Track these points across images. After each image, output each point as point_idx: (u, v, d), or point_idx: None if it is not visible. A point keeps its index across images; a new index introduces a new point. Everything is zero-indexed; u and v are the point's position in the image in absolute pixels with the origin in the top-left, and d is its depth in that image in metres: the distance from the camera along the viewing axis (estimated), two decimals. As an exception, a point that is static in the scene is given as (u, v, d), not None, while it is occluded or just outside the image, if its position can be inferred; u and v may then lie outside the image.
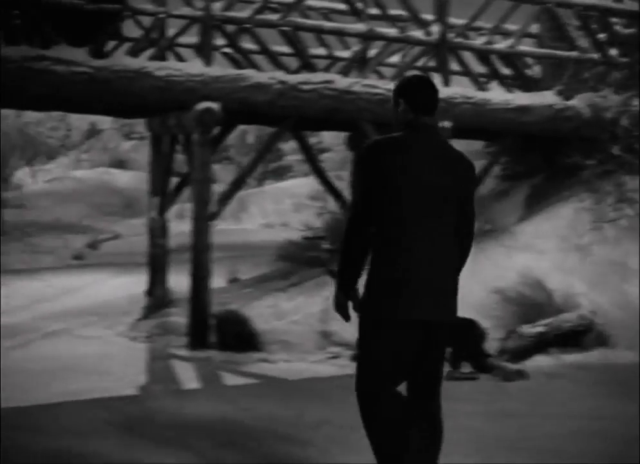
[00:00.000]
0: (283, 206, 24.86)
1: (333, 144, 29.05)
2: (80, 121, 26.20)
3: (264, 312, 9.48)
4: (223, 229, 22.39)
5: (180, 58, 10.32)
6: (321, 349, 8.76)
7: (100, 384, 7.64)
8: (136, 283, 14.37)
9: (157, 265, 10.50)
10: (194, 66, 8.88)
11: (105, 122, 28.22)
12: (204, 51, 9.01)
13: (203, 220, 8.91)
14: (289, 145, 32.43)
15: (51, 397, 7.15)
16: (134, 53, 8.96)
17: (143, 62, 8.71)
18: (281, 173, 27.46)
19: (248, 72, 9.10)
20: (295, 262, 10.90)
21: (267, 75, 9.16)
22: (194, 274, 8.98)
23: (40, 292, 13.58)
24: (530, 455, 5.26)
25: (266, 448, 5.43)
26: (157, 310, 10.23)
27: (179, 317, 9.85)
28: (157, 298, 10.37)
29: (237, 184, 9.55)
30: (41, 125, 19.78)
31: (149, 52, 9.39)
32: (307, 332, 9.04)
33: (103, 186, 25.98)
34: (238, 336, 8.79)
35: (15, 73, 8.13)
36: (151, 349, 9.15)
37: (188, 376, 8.00)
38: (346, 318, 4.02)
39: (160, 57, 9.12)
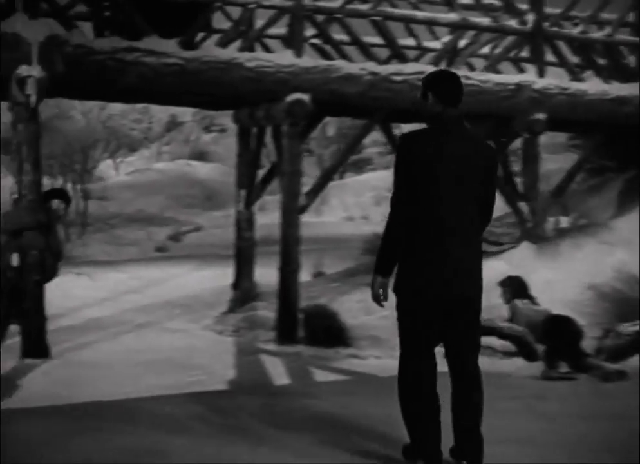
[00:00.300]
0: (364, 199, 24.67)
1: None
2: (161, 113, 26.32)
3: (352, 307, 9.33)
4: (304, 222, 22.31)
5: (268, 50, 10.21)
6: (412, 345, 8.57)
7: (191, 378, 7.58)
8: (219, 276, 14.34)
9: (243, 258, 10.43)
10: (284, 57, 8.75)
11: (185, 114, 28.34)
12: (294, 41, 8.87)
13: (292, 213, 8.79)
14: (369, 138, 32.27)
15: (142, 390, 7.10)
16: (223, 44, 8.85)
17: (233, 53, 8.62)
18: (361, 166, 27.26)
19: (339, 63, 8.95)
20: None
21: (358, 66, 9.01)
22: (283, 267, 8.86)
23: (125, 284, 13.62)
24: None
25: (366, 447, 5.27)
26: (243, 304, 10.14)
27: (266, 311, 9.76)
28: (243, 291, 10.29)
29: (327, 177, 9.43)
30: (124, 117, 19.92)
31: (236, 44, 9.29)
32: (397, 328, 8.85)
33: (184, 178, 26.06)
34: (327, 331, 8.66)
35: (105, 64, 8.09)
36: (239, 343, 9.06)
37: (277, 371, 7.88)
38: (380, 303, 4.62)
39: (248, 48, 9.00)
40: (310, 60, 8.98)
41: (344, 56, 9.24)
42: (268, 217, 22.60)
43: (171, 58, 8.30)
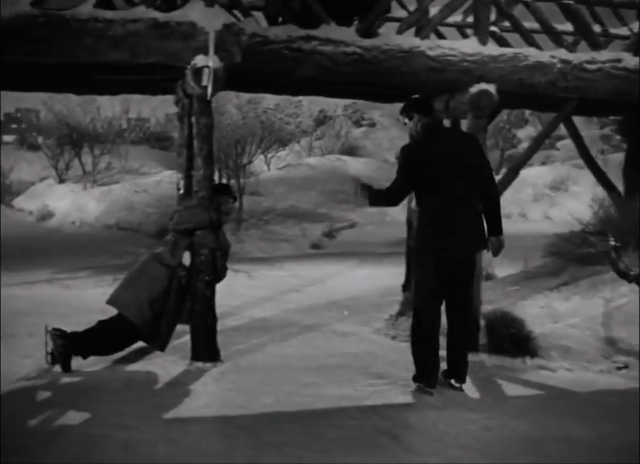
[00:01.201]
0: (522, 196, 23.77)
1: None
2: (312, 107, 26.00)
3: (537, 313, 8.68)
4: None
5: (442, 38, 9.65)
6: (606, 358, 7.86)
7: (371, 388, 7.09)
8: (379, 275, 13.92)
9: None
10: (468, 45, 8.16)
11: (336, 108, 27.99)
12: (478, 28, 8.27)
13: (477, 212, 8.17)
14: (524, 132, 31.32)
15: (322, 400, 6.67)
16: (401, 32, 8.31)
17: (415, 41, 8.07)
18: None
19: (527, 51, 8.29)
20: (565, 258, 10.00)
21: (548, 54, 8.33)
22: (464, 271, 8.26)
23: (284, 282, 13.30)
24: None
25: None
26: (415, 307, 9.57)
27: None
28: (415, 294, 9.71)
29: (514, 173, 8.76)
30: (279, 111, 19.61)
31: (409, 32, 8.75)
32: (588, 338, 8.16)
33: (336, 173, 25.69)
34: (512, 339, 8.03)
35: (281, 54, 7.67)
36: (416, 350, 8.49)
37: (462, 383, 7.32)
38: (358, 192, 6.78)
39: (426, 36, 8.43)
40: (495, 48, 8.39)
41: (531, 43, 8.54)
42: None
43: (350, 47, 7.83)
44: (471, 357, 8.02)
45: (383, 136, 33.76)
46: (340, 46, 7.79)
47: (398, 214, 22.47)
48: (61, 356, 7.47)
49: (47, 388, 7.00)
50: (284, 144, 22.74)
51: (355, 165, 27.00)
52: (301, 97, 20.13)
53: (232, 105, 19.90)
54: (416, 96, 7.04)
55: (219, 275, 7.95)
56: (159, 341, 7.78)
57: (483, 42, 8.18)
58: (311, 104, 24.96)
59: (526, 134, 30.84)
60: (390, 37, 8.04)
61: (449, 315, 6.83)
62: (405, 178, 6.52)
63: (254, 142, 19.98)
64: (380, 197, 6.76)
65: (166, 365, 7.77)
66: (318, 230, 19.21)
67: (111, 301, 7.88)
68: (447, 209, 6.44)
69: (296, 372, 7.60)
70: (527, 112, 30.93)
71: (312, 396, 6.80)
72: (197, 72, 7.17)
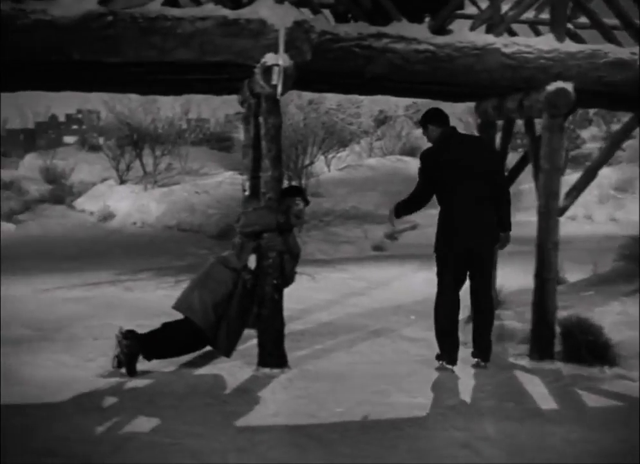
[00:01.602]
0: (587, 197, 23.22)
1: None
2: (371, 108, 25.75)
3: (613, 320, 8.36)
4: (522, 221, 21.25)
5: (513, 35, 9.34)
6: (689, 367, 7.53)
7: (449, 397, 6.86)
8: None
9: (485, 262, 9.56)
10: (545, 42, 7.87)
11: (396, 108, 27.72)
12: (555, 24, 7.98)
13: (551, 215, 7.91)
14: (588, 133, 30.76)
15: (394, 410, 6.47)
16: (474, 28, 8.05)
17: (489, 38, 7.81)
18: (581, 162, 25.80)
19: (607, 47, 7.98)
20: (638, 262, 9.67)
21: (628, 51, 8.01)
22: (539, 275, 7.99)
23: (348, 285, 13.07)
24: None
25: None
26: (485, 312, 9.28)
27: (513, 321, 8.93)
28: (485, 298, 9.43)
29: (590, 174, 8.47)
30: (341, 111, 19.37)
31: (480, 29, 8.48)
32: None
33: (397, 174, 25.40)
34: (589, 347, 7.72)
35: (352, 52, 7.47)
36: (489, 357, 8.23)
37: (539, 392, 7.03)
38: (392, 222, 7.84)
39: (500, 33, 8.15)
40: (573, 44, 8.06)
41: (610, 40, 8.21)
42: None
43: (422, 45, 7.59)
44: (546, 365, 7.79)
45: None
46: (412, 44, 7.57)
47: (461, 215, 22.18)
48: (126, 357, 7.34)
49: (112, 393, 6.88)
50: (344, 144, 22.46)
51: (416, 166, 26.64)
52: (363, 97, 19.84)
53: (294, 105, 19.71)
54: (430, 108, 7.88)
55: (288, 279, 7.76)
56: (223, 345, 7.62)
57: (560, 38, 7.89)
58: (372, 104, 24.64)
59: (590, 134, 30.31)
60: (463, 34, 7.79)
61: (473, 300, 7.72)
62: (423, 183, 7.49)
63: (316, 143, 19.77)
64: (405, 205, 7.66)
65: (232, 370, 7.62)
66: (380, 232, 18.94)
67: (177, 306, 7.75)
68: (460, 209, 7.32)
69: (365, 379, 7.40)
70: (591, 112, 30.40)
71: (383, 405, 6.60)
72: (267, 70, 6.98)
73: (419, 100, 32.44)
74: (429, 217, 21.77)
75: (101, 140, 27.27)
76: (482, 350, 7.76)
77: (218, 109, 30.67)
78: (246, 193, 8.96)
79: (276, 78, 6.94)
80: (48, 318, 10.02)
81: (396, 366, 7.90)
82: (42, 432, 5.87)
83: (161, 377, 7.37)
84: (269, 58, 6.97)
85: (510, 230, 7.71)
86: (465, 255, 7.44)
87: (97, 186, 24.39)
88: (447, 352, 7.67)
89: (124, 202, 21.36)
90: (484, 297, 7.70)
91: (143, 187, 22.42)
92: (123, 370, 7.38)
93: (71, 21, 6.67)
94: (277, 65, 6.93)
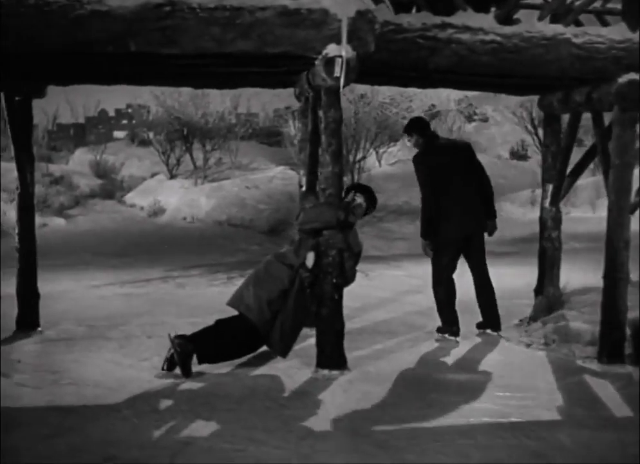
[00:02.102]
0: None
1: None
2: (422, 101, 25.35)
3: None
4: (578, 217, 20.82)
5: (578, 25, 9.00)
6: None
7: (512, 402, 6.57)
8: (500, 276, 13.20)
9: (548, 260, 9.26)
10: (617, 32, 7.53)
11: (448, 102, 27.30)
12: (628, 14, 7.64)
13: (622, 212, 7.57)
14: (644, 127, 30.04)
15: (461, 415, 6.20)
16: (542, 18, 7.73)
17: (558, 27, 7.49)
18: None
19: (686, 37, 7.62)
20: None
21: None
22: (609, 274, 7.67)
23: (403, 282, 12.81)
24: None
25: None
26: (549, 312, 8.98)
27: (578, 322, 8.57)
28: (549, 298, 9.14)
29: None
30: (394, 105, 19.00)
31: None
32: None
33: (448, 169, 25.02)
34: (663, 350, 7.43)
35: (416, 43, 7.19)
36: (554, 360, 7.92)
37: (611, 398, 6.70)
38: (429, 254, 8.79)
39: (570, 22, 7.82)
40: (646, 34, 7.71)
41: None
42: (535, 213, 21.36)
43: (488, 35, 7.30)
44: (617, 368, 7.51)
45: (496, 132, 32.94)
46: (478, 34, 7.28)
47: (513, 210, 21.77)
48: (180, 357, 7.15)
49: (167, 395, 6.69)
50: (395, 139, 22.12)
51: (468, 161, 26.26)
52: (416, 90, 19.50)
53: (346, 99, 19.43)
54: (413, 118, 9.22)
55: (348, 278, 7.52)
56: (278, 345, 7.41)
57: (632, 28, 7.55)
58: (424, 98, 24.25)
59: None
60: (531, 23, 7.47)
61: (474, 277, 8.96)
62: (427, 190, 8.57)
63: (368, 138, 19.46)
64: (429, 225, 8.60)
65: (289, 371, 7.40)
66: (433, 227, 18.60)
67: (231, 302, 7.56)
68: (454, 203, 8.46)
69: (428, 382, 7.13)
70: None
71: (450, 410, 6.33)
72: (329, 62, 6.73)
73: (470, 95, 32.11)
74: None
75: (151, 135, 27.13)
76: (492, 320, 8.87)
77: (268, 103, 30.54)
78: (303, 189, 8.75)
79: (338, 70, 6.68)
80: (100, 315, 9.89)
81: (459, 368, 7.62)
82: (98, 435, 5.70)
83: (216, 378, 7.17)
84: (331, 50, 6.71)
85: (495, 217, 8.86)
86: (461, 240, 8.64)
87: (147, 181, 24.31)
88: (450, 325, 8.76)
89: (174, 196, 21.25)
90: (482, 271, 8.91)
91: (193, 182, 22.28)
92: (177, 371, 7.19)
93: (128, 11, 6.47)
94: (340, 56, 6.67)
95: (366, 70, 7.08)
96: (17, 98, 8.55)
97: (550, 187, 9.20)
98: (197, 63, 7.50)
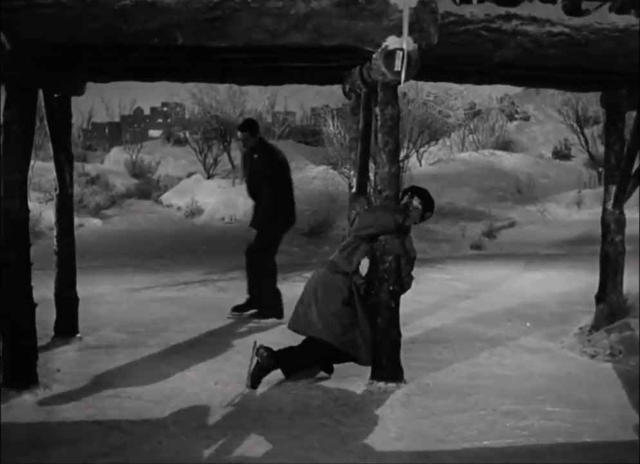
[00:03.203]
0: None
1: None
2: (466, 99, 24.80)
3: None
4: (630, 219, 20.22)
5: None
6: None
7: (582, 419, 6.11)
8: (551, 280, 12.85)
9: (611, 265, 8.76)
10: (693, 22, 7.05)
11: (489, 100, 26.72)
12: None
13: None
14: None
15: (532, 435, 5.76)
16: (613, 9, 7.25)
17: (631, 19, 7.01)
18: None
19: None
20: None
21: None
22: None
23: (450, 286, 12.36)
24: None
25: None
26: (612, 321, 8.50)
27: (645, 331, 8.12)
28: (611, 305, 8.65)
29: None
30: (439, 103, 18.48)
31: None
32: None
33: (490, 169, 24.51)
34: None
35: (479, 35, 6.75)
36: (622, 373, 7.44)
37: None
38: None
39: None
40: None
41: None
42: (583, 214, 20.82)
43: (556, 27, 6.84)
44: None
45: (537, 130, 32.34)
46: (545, 26, 6.83)
47: (559, 212, 21.23)
48: (258, 368, 6.79)
49: (215, 409, 6.29)
50: (435, 138, 21.62)
51: (509, 161, 25.75)
52: (461, 88, 18.99)
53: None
54: (247, 118, 10.63)
55: (405, 285, 7.10)
56: (364, 355, 6.96)
57: None
58: (468, 95, 23.67)
59: None
60: (602, 14, 7.00)
61: None
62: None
63: (411, 137, 18.98)
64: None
65: (343, 383, 7.00)
66: (477, 229, 18.11)
67: (296, 327, 7.14)
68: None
69: (491, 397, 6.69)
70: None
71: (519, 429, 5.91)
72: (390, 55, 6.30)
73: (512, 93, 31.55)
74: (527, 214, 21.05)
75: (187, 134, 26.79)
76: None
77: (305, 102, 30.12)
78: (353, 190, 8.36)
79: (399, 64, 6.25)
80: (140, 321, 9.54)
81: (523, 382, 7.16)
82: (145, 455, 5.33)
83: (266, 392, 6.77)
84: (391, 42, 6.28)
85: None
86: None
87: (184, 181, 23.98)
88: None
89: (212, 196, 20.88)
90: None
91: (231, 182, 21.91)
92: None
93: (175, 2, 6.07)
94: (401, 49, 6.24)
95: (424, 65, 6.65)
96: (55, 96, 8.19)
97: (613, 189, 8.69)
98: (246, 57, 7.12)
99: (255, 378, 6.76)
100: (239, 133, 9.86)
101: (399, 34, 6.24)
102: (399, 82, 6.43)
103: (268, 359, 6.77)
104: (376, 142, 6.84)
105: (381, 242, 6.83)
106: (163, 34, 6.14)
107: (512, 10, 6.83)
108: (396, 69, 6.29)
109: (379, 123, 6.74)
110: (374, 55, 6.42)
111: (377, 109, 6.74)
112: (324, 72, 8.48)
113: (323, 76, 8.74)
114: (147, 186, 23.55)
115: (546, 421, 6.06)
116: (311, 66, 8.09)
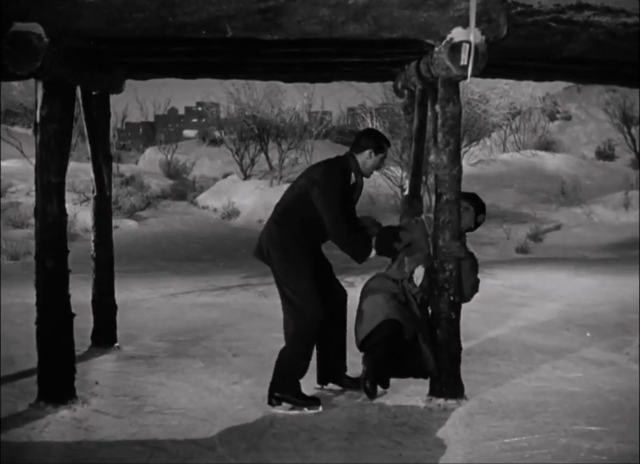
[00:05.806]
0: None
1: None
2: (503, 99, 24.30)
3: None
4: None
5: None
6: None
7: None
8: (605, 286, 12.37)
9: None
10: None
11: (530, 100, 26.16)
12: None
13: None
14: None
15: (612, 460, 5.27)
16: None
17: None
18: None
19: None
20: None
21: None
22: None
23: (500, 293, 11.87)
24: None
25: None
26: (680, 331, 8.01)
27: None
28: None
29: None
30: (482, 102, 17.91)
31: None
32: None
33: (533, 170, 23.96)
34: None
35: (549, 27, 6.27)
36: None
37: None
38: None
39: None
40: None
41: None
42: (630, 216, 20.23)
43: (632, 18, 6.35)
44: None
45: (580, 130, 31.71)
46: (619, 16, 6.34)
47: (606, 214, 20.65)
48: (370, 374, 6.40)
49: (266, 428, 5.88)
50: (477, 138, 21.11)
51: (552, 162, 25.18)
52: (506, 86, 18.45)
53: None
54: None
55: (467, 295, 6.65)
56: (429, 362, 6.51)
57: None
58: (511, 95, 23.16)
59: None
60: (681, 4, 6.50)
61: None
62: None
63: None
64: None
65: (398, 399, 6.55)
66: (522, 232, 17.61)
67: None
68: None
69: (560, 416, 6.20)
70: None
71: (596, 453, 5.41)
72: (455, 48, 5.83)
73: (553, 92, 30.95)
74: (573, 216, 20.48)
75: (223, 134, 26.43)
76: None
77: (342, 101, 29.69)
78: (406, 193, 7.93)
79: (465, 58, 5.78)
80: (180, 328, 9.17)
81: (592, 399, 6.65)
82: (192, 479, 4.91)
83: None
84: (457, 34, 5.81)
85: None
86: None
87: (220, 181, 23.63)
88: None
89: (249, 198, 20.51)
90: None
91: (268, 183, 21.51)
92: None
93: (223, -9, 5.65)
94: (468, 42, 5.77)
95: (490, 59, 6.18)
96: (93, 93, 7.81)
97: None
98: (295, 52, 6.69)
99: (371, 386, 6.42)
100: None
101: (465, 25, 5.77)
102: (464, 78, 5.96)
103: (374, 359, 6.40)
104: (435, 142, 6.38)
105: (441, 249, 6.36)
106: (212, 26, 5.71)
107: (585, 0, 6.35)
108: (462, 63, 5.81)
109: (440, 122, 6.29)
110: (436, 49, 5.97)
111: (438, 107, 6.29)
112: (376, 68, 8.05)
113: (375, 73, 8.33)
114: (183, 187, 23.20)
115: (624, 445, 5.57)
116: (362, 62, 7.65)
